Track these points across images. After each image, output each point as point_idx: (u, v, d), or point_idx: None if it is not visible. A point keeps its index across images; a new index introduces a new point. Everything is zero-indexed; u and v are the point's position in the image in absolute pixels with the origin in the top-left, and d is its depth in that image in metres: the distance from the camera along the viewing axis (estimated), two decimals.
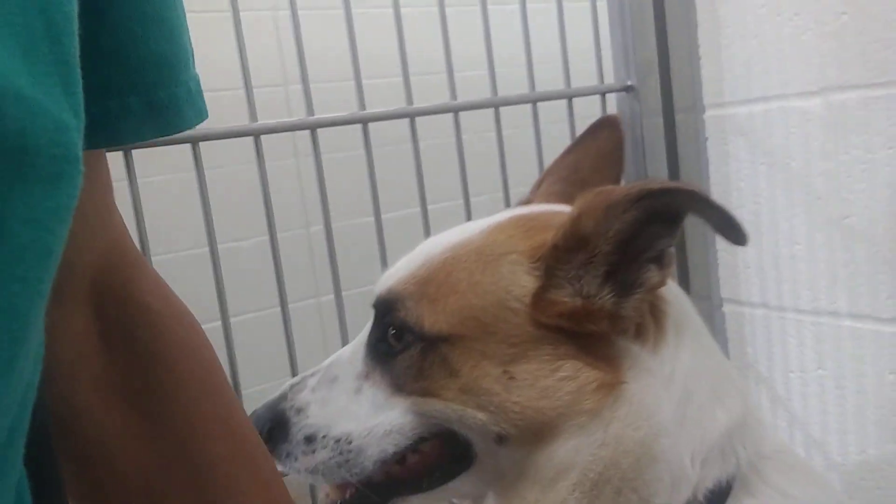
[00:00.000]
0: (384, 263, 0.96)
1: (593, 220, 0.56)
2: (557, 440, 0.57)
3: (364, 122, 0.96)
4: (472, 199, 1.06)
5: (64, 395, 0.44)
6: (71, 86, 0.31)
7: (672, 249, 0.59)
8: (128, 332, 0.47)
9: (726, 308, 1.24)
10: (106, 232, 0.45)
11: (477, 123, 1.11)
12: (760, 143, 1.13)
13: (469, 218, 1.05)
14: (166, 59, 0.41)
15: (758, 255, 1.17)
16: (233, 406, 0.51)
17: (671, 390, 0.58)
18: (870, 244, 1.03)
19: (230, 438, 0.49)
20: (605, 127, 0.77)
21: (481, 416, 0.57)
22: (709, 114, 1.18)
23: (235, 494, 0.48)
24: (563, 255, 0.57)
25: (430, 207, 1.03)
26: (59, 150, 0.29)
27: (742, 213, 1.18)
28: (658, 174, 1.21)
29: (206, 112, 0.44)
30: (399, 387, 0.60)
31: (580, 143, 0.77)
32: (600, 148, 0.75)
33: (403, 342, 0.60)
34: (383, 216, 0.99)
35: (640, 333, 0.59)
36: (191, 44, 0.43)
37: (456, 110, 1.03)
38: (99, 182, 0.44)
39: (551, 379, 0.56)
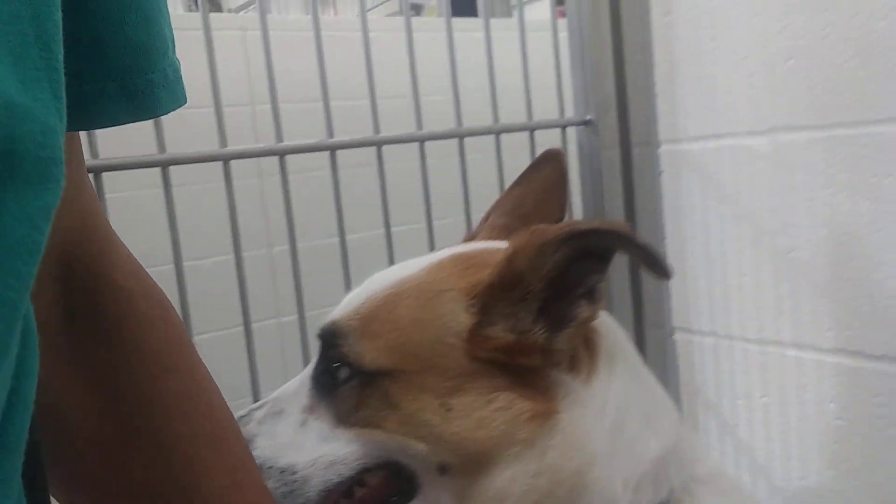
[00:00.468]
0: (347, 286, 0.98)
1: (526, 260, 0.58)
2: (495, 469, 0.59)
3: (332, 149, 0.98)
4: (436, 223, 1.08)
5: None
6: (57, 90, 0.32)
7: (602, 285, 0.61)
8: (93, 306, 0.47)
9: (678, 336, 1.28)
10: (75, 206, 0.46)
11: (442, 150, 1.14)
12: (712, 178, 1.18)
13: (432, 241, 1.08)
14: (143, 45, 0.41)
15: (707, 286, 1.22)
16: (203, 384, 0.50)
17: (603, 420, 0.61)
18: (812, 278, 1.08)
19: (196, 417, 0.48)
20: (548, 161, 0.79)
21: (422, 446, 0.59)
22: (664, 149, 1.23)
23: (200, 473, 0.47)
24: (497, 293, 0.60)
25: (394, 230, 1.05)
26: (46, 152, 0.31)
27: (693, 245, 1.22)
28: (615, 205, 1.25)
29: (184, 98, 0.45)
30: (342, 419, 0.62)
31: (524, 178, 0.79)
32: (544, 182, 0.77)
33: (346, 375, 0.61)
34: (347, 237, 1.01)
35: (573, 365, 0.61)
36: (171, 31, 0.44)
37: (422, 140, 1.06)
38: (71, 158, 0.44)
39: (487, 410, 0.58)
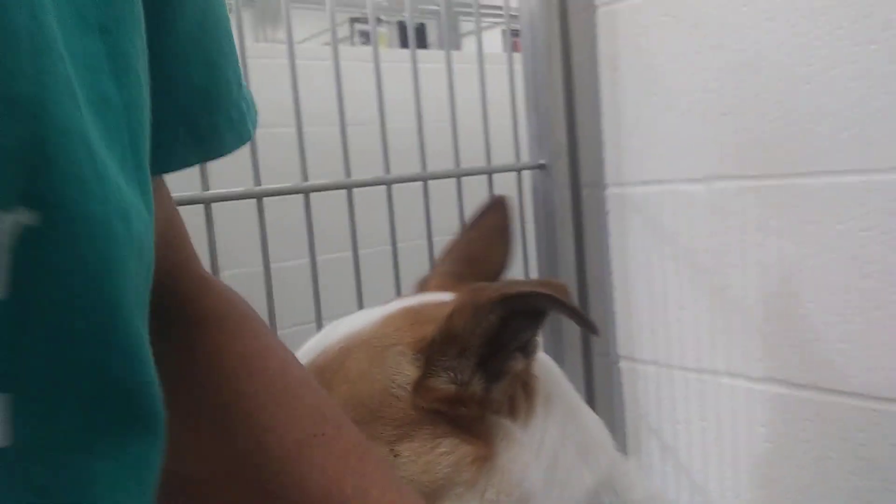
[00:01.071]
0: (319, 326, 1.03)
1: (463, 320, 0.63)
2: None
3: (307, 192, 1.04)
4: (401, 252, 1.14)
5: None
6: (144, 186, 0.34)
7: (537, 338, 0.67)
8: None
9: (623, 364, 1.37)
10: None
11: (406, 191, 1.21)
12: (653, 219, 1.28)
13: (398, 281, 1.14)
14: (208, 91, 0.43)
15: (650, 319, 1.31)
16: (268, 341, 0.47)
17: (540, 458, 0.66)
18: (744, 313, 1.18)
19: (264, 374, 0.44)
20: (494, 208, 0.82)
21: None
22: (610, 191, 1.33)
23: (269, 429, 0.42)
24: (440, 349, 0.64)
25: (362, 266, 1.11)
26: (147, 239, 0.33)
27: (637, 280, 1.32)
28: (566, 243, 1.34)
29: (249, 135, 0.46)
30: None
31: (472, 225, 0.83)
32: (490, 228, 0.81)
33: None
34: (321, 281, 1.06)
35: (512, 409, 0.67)
36: (236, 71, 0.45)
37: (389, 183, 1.12)
38: (161, 201, 0.45)
39: (432, 455, 0.63)
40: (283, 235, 1.15)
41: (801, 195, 1.09)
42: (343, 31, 3.50)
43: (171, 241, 0.47)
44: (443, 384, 0.64)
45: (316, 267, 1.06)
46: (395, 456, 0.63)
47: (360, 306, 1.06)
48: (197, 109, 0.42)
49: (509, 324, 0.64)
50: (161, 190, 0.46)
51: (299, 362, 0.47)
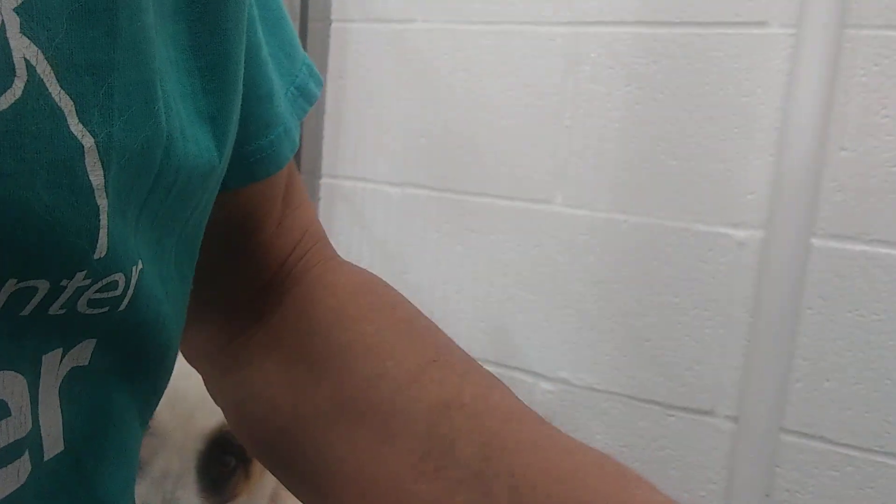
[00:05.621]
0: None
1: None
2: None
3: None
4: None
5: None
6: (219, 129, 0.33)
7: None
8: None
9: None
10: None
11: None
12: (357, 211, 1.52)
13: None
14: (256, 119, 0.38)
15: None
16: (375, 279, 0.45)
17: None
18: (420, 294, 1.48)
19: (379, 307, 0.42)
20: None
21: None
22: (324, 181, 1.55)
23: (387, 358, 0.39)
24: None
25: None
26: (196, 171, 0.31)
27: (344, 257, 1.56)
28: None
29: (286, 158, 0.41)
30: None
31: None
32: None
33: None
34: None
35: None
36: (275, 94, 0.41)
37: None
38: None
39: None
40: None
41: (469, 209, 1.40)
42: None
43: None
44: None
45: None
46: None
47: None
48: (243, 135, 0.38)
49: None
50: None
51: (403, 297, 0.45)
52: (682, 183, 1.21)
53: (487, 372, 0.38)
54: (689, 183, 1.21)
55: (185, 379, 0.40)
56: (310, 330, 0.40)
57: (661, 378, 1.28)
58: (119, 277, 0.27)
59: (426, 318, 0.43)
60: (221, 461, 0.71)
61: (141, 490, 0.67)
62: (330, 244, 0.49)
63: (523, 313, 1.38)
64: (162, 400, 0.36)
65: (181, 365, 0.40)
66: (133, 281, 0.28)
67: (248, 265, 0.42)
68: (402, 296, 0.44)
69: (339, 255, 0.48)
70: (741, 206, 1.18)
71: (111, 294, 0.27)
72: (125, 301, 0.28)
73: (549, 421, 0.35)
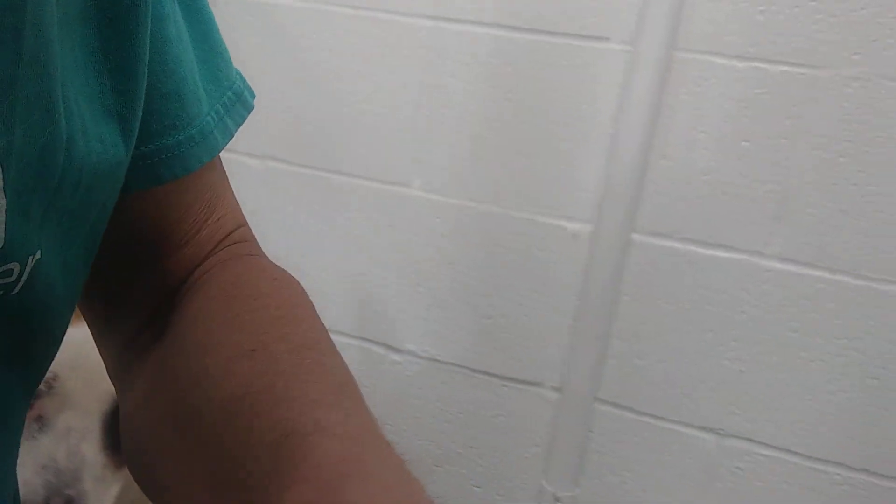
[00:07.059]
0: None
1: None
2: None
3: None
4: None
5: None
6: (126, 123, 0.34)
7: None
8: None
9: None
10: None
11: None
12: None
13: None
14: (160, 117, 0.37)
15: None
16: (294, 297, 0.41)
17: None
18: None
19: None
20: None
21: None
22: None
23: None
24: None
25: None
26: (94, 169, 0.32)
27: None
28: None
29: (197, 161, 0.40)
30: None
31: None
32: None
33: None
34: None
35: None
36: (200, 89, 0.40)
37: None
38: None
39: None
40: None
41: (328, 186, 1.46)
42: None
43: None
44: None
45: None
46: None
47: None
48: (164, 125, 0.38)
49: None
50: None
51: (280, 288, 0.42)
52: (526, 177, 1.33)
53: (325, 363, 0.34)
54: (533, 178, 1.33)
55: (91, 342, 0.45)
56: (173, 334, 0.38)
57: (497, 352, 1.40)
58: (14, 266, 0.29)
59: (302, 308, 0.39)
60: None
61: (44, 443, 0.69)
62: (254, 244, 0.46)
63: (377, 289, 1.46)
64: (65, 363, 0.39)
65: (87, 330, 0.43)
66: (28, 269, 0.30)
67: (154, 273, 0.41)
68: (286, 287, 0.40)
69: (260, 254, 0.46)
70: (575, 202, 1.31)
71: (6, 280, 0.29)
72: (18, 286, 0.30)
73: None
